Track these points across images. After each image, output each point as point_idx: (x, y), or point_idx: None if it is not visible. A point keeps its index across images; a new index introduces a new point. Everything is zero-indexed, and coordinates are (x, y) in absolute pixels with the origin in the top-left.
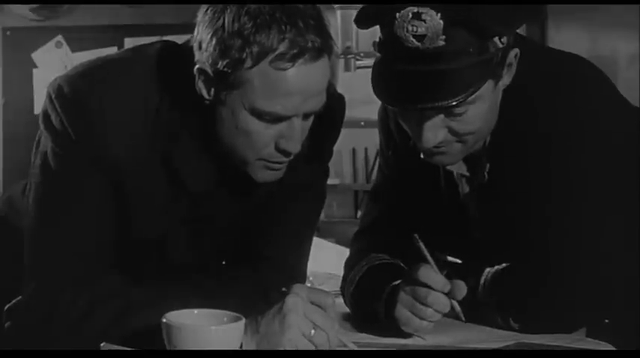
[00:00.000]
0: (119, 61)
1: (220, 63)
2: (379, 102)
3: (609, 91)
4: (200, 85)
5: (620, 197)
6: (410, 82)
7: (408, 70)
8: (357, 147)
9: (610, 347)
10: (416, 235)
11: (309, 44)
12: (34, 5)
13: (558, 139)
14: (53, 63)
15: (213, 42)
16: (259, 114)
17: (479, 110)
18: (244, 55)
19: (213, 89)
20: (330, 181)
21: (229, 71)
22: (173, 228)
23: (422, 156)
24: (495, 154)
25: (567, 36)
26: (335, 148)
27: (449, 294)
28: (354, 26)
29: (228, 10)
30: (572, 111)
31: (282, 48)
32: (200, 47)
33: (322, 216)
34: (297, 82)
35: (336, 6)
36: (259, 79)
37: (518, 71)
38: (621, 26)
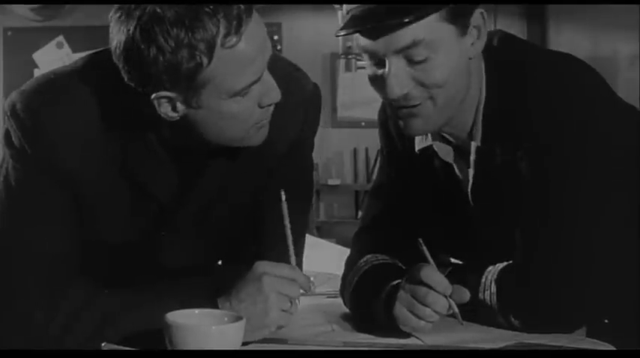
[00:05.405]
0: (71, 73)
1: (177, 80)
2: (380, 103)
3: (604, 91)
4: (164, 109)
5: (618, 196)
6: (364, 13)
7: (364, 8)
8: (357, 147)
9: (610, 347)
10: (420, 239)
11: (240, 8)
12: (36, 5)
13: (554, 139)
14: (54, 63)
15: (161, 69)
16: (241, 93)
17: (442, 59)
18: (197, 58)
19: (180, 104)
20: (331, 181)
21: (191, 80)
22: (148, 233)
23: (399, 123)
24: (484, 149)
25: (568, 37)
26: (336, 149)
27: (450, 297)
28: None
29: (152, 36)
30: (568, 111)
31: (223, 28)
32: (146, 83)
33: (323, 216)
34: (252, 45)
35: (336, 6)
36: (223, 66)
37: (514, 70)
38: (621, 27)
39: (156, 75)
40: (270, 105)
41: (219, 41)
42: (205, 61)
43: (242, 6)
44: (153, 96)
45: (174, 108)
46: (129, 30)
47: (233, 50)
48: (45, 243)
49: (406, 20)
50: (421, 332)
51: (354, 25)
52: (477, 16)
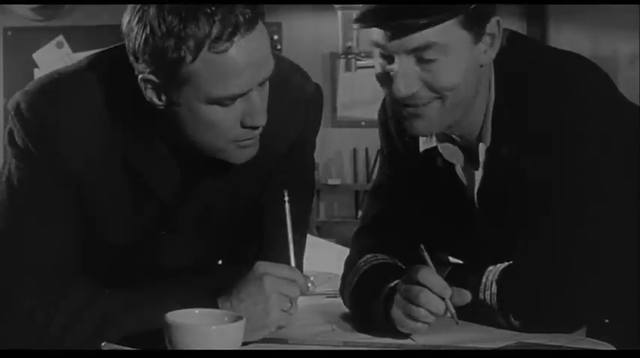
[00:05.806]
0: (75, 73)
1: (161, 67)
2: (380, 103)
3: (608, 90)
4: (149, 94)
5: (621, 195)
6: (383, 8)
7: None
8: (357, 147)
9: (610, 347)
10: (422, 245)
11: (241, 18)
12: (36, 5)
13: (558, 138)
14: (54, 63)
15: (148, 49)
16: (218, 102)
17: (452, 62)
18: (182, 52)
19: (162, 93)
20: (331, 181)
21: (173, 72)
22: (150, 232)
23: (405, 123)
24: (494, 151)
25: (568, 37)
26: (336, 149)
27: (451, 299)
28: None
29: (151, 14)
30: (572, 109)
31: (215, 31)
32: (137, 59)
33: (323, 215)
34: (243, 58)
35: (336, 6)
36: (205, 69)
37: (521, 70)
38: (621, 27)
39: (143, 54)
40: (256, 128)
41: (208, 43)
42: (189, 57)
43: (243, 17)
44: (140, 76)
45: (158, 97)
46: (135, 7)
47: (221, 56)
48: (47, 242)
49: (425, 22)
50: (418, 333)
51: (373, 18)
52: (493, 23)
